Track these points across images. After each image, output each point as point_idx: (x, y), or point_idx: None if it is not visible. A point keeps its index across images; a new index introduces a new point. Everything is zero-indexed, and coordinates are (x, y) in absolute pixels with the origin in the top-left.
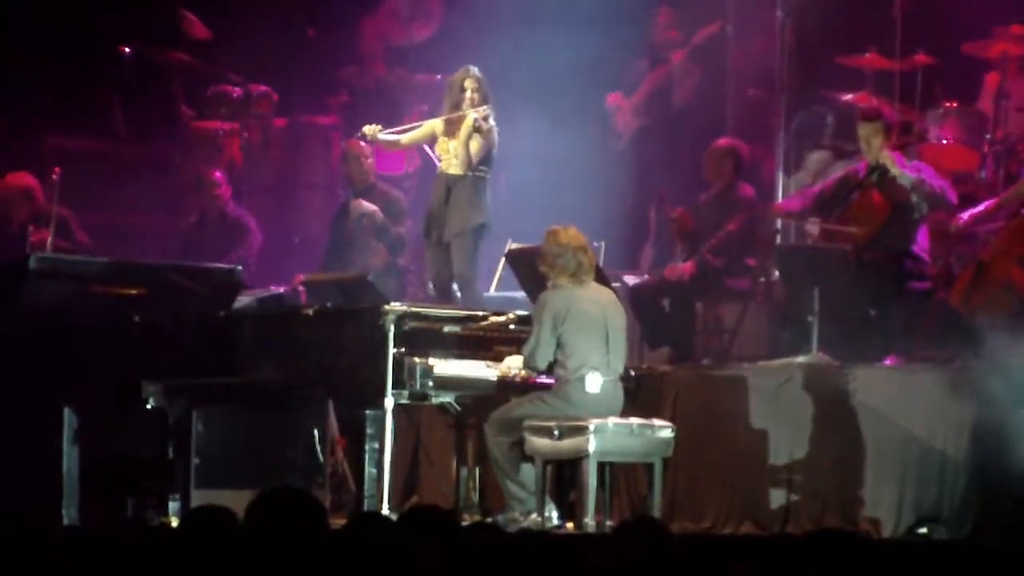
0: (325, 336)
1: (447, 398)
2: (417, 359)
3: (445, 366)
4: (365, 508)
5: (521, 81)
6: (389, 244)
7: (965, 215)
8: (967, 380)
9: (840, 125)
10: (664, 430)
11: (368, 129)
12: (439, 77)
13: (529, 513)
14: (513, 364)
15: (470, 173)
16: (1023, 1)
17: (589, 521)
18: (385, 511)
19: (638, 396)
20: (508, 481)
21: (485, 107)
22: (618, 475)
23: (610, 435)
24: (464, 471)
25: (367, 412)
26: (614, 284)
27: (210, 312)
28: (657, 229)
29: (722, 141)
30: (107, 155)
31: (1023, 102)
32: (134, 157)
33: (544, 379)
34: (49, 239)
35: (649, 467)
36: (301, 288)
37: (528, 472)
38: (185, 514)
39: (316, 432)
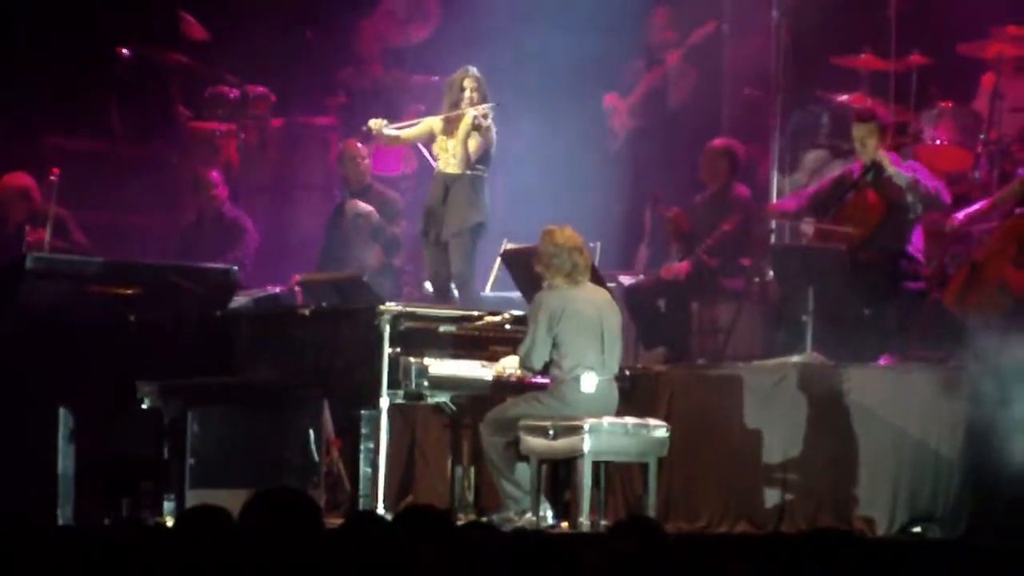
0: (321, 336)
1: (442, 398)
2: (412, 359)
3: (440, 366)
4: (360, 508)
5: (517, 82)
6: (385, 244)
7: (960, 214)
8: (961, 380)
9: (836, 124)
10: (659, 430)
11: (374, 123)
12: (436, 78)
13: (524, 513)
14: (509, 364)
15: (468, 172)
16: (1018, 2)
17: (584, 521)
18: (380, 511)
19: (633, 396)
20: (503, 481)
21: (486, 106)
22: (613, 475)
23: (605, 435)
24: (459, 471)
25: (362, 412)
26: (609, 284)
27: (206, 312)
28: (652, 229)
29: (718, 141)
30: (105, 155)
31: (1018, 102)
32: (131, 157)
33: (539, 379)
34: (46, 239)
35: (644, 467)
36: (297, 288)
37: (523, 472)
38: (180, 514)
39: (311, 432)
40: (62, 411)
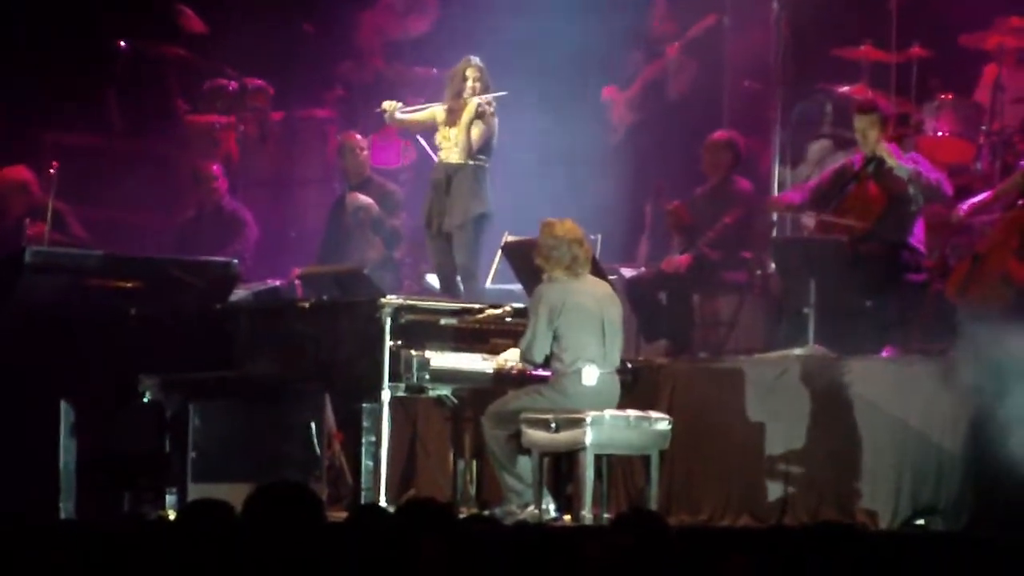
0: (321, 329)
1: (444, 391)
2: (414, 352)
3: (442, 359)
4: (362, 501)
5: (517, 74)
6: (385, 237)
7: (965, 205)
8: (960, 372)
9: (839, 114)
10: (661, 422)
11: (388, 104)
12: (435, 71)
13: (526, 506)
14: (510, 357)
15: (470, 162)
16: None
17: (586, 513)
18: (382, 504)
19: (635, 389)
20: (505, 474)
21: (498, 93)
22: (615, 467)
23: (607, 427)
24: (461, 464)
25: (364, 405)
26: (610, 277)
27: (207, 306)
28: (653, 222)
29: (719, 134)
30: (104, 150)
31: (1020, 94)
32: (130, 151)
33: (541, 372)
34: (46, 233)
35: (646, 459)
36: (297, 281)
37: (525, 465)
38: (182, 508)
39: (313, 425)
40: (63, 405)
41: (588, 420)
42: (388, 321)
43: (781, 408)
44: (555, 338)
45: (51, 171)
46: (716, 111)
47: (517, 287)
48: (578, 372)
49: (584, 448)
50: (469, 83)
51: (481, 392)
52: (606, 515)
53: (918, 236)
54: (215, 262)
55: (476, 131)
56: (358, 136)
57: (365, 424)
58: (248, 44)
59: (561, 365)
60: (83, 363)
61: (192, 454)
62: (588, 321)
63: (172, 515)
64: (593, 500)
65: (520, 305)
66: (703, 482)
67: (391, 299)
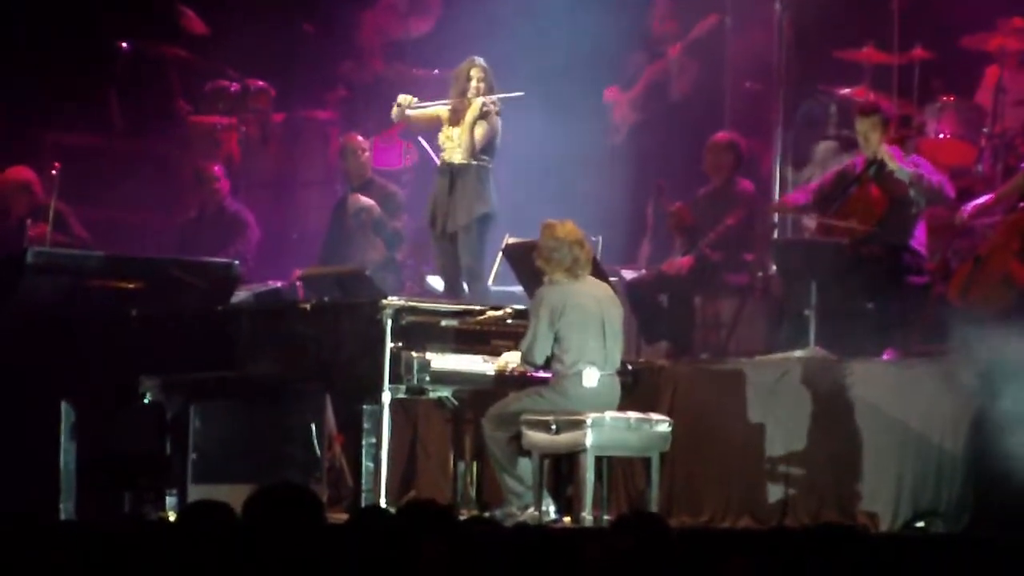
0: (322, 331)
1: (444, 392)
2: (414, 353)
3: (442, 360)
4: (363, 503)
5: (518, 75)
6: (386, 239)
7: (969, 207)
8: (960, 374)
9: (844, 115)
10: (662, 424)
11: (404, 99)
12: (436, 71)
13: (527, 507)
14: (510, 359)
15: (474, 162)
16: None
17: (587, 515)
18: (383, 506)
19: (636, 390)
20: (505, 475)
21: (515, 94)
22: (616, 469)
23: (608, 429)
24: (461, 466)
25: (364, 407)
26: (612, 279)
27: (208, 307)
28: (655, 223)
29: (722, 135)
30: (105, 151)
31: (1022, 96)
32: (132, 152)
33: (541, 373)
34: (47, 233)
35: (647, 461)
36: (299, 283)
37: (525, 466)
38: (183, 509)
39: (313, 427)
40: (64, 406)
41: (589, 422)
42: (389, 323)
43: (782, 410)
44: (556, 340)
45: (53, 172)
46: (718, 112)
47: (518, 289)
48: (579, 374)
49: (585, 450)
50: (473, 83)
51: (482, 394)
52: (606, 517)
53: (919, 239)
54: (216, 263)
55: (480, 131)
56: (360, 138)
57: (366, 425)
58: (249, 45)
59: (562, 367)
60: (84, 364)
61: (192, 455)
62: (589, 323)
63: (172, 516)
64: (593, 502)
65: (521, 307)
66: (704, 484)
67: (392, 301)
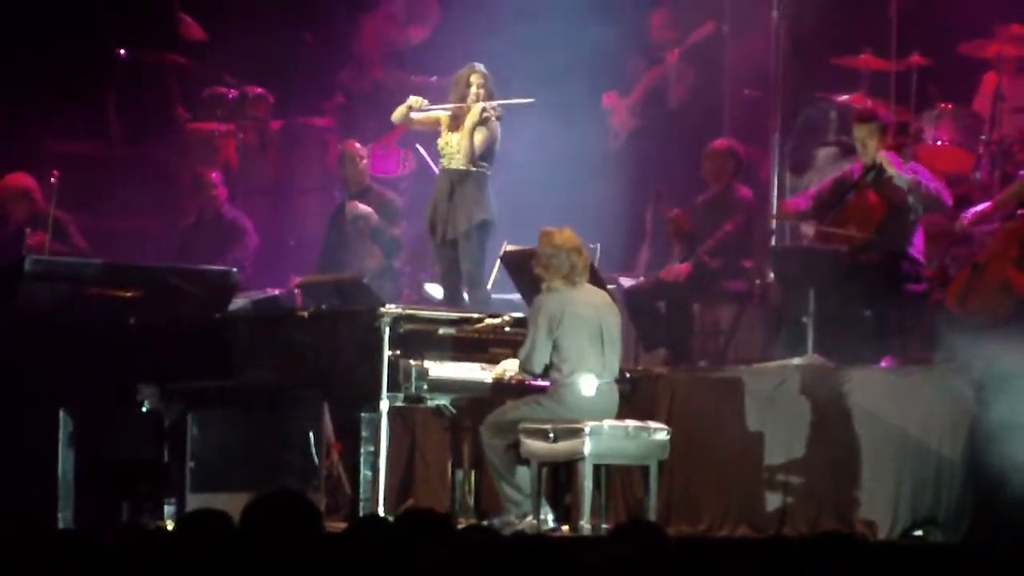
0: (320, 338)
1: (442, 401)
2: (412, 361)
3: (440, 368)
4: (361, 511)
5: (517, 82)
6: (384, 246)
7: (968, 214)
8: (954, 381)
9: (844, 121)
10: (660, 432)
11: (415, 100)
12: (434, 79)
13: (525, 516)
14: (509, 367)
15: (473, 168)
16: (1018, 1)
17: (585, 524)
18: (381, 514)
19: (634, 398)
20: (504, 484)
21: (526, 100)
22: (614, 477)
23: (606, 438)
24: (459, 474)
25: (362, 415)
26: (610, 286)
27: (206, 314)
28: (654, 230)
29: (721, 142)
30: (104, 157)
31: (1019, 103)
32: (130, 159)
33: (539, 381)
34: (46, 242)
35: (645, 470)
36: (297, 290)
37: (524, 475)
38: (181, 518)
39: (311, 435)
40: (62, 414)
41: (587, 430)
42: (387, 330)
43: (780, 418)
44: (554, 348)
45: (52, 180)
46: (716, 118)
47: (516, 296)
48: (577, 382)
49: (583, 458)
50: (473, 89)
51: (480, 402)
52: (604, 525)
53: (918, 246)
54: (214, 271)
55: (479, 136)
56: (358, 145)
57: (364, 434)
58: (248, 52)
59: (560, 375)
60: (83, 371)
61: (190, 463)
62: (587, 331)
63: (170, 525)
64: (592, 510)
65: (519, 315)
66: (702, 492)
67: (390, 308)
